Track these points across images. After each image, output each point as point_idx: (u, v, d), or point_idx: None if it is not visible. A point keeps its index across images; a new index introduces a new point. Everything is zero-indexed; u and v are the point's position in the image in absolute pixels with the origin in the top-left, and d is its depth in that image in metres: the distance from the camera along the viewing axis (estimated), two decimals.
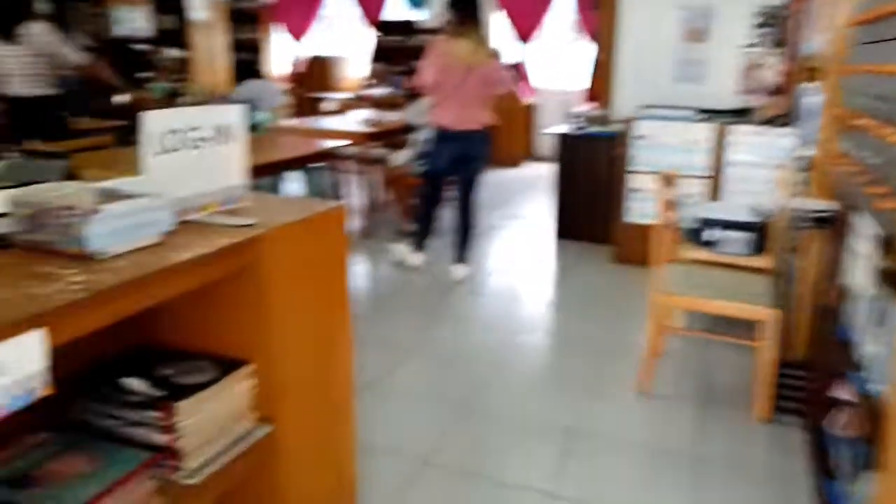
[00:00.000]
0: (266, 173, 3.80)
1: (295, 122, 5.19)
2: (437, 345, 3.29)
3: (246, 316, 1.32)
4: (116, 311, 0.99)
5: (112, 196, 1.20)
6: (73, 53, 4.56)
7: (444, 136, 3.84)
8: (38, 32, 4.41)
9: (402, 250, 4.29)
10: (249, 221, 1.32)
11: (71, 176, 1.65)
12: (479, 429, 2.57)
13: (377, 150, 5.31)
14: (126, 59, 6.28)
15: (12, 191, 1.15)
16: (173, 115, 1.29)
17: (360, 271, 4.36)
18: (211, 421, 1.22)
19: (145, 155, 1.24)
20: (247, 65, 5.66)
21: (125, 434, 1.17)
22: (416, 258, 4.25)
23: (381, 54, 8.93)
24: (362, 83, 8.44)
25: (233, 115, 1.42)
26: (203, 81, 6.94)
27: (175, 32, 7.22)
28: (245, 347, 1.34)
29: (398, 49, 8.80)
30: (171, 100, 6.04)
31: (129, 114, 6.13)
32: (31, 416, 1.16)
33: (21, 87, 4.49)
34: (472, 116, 3.81)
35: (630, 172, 4.29)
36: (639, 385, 2.86)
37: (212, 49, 7.65)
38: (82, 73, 4.78)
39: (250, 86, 5.48)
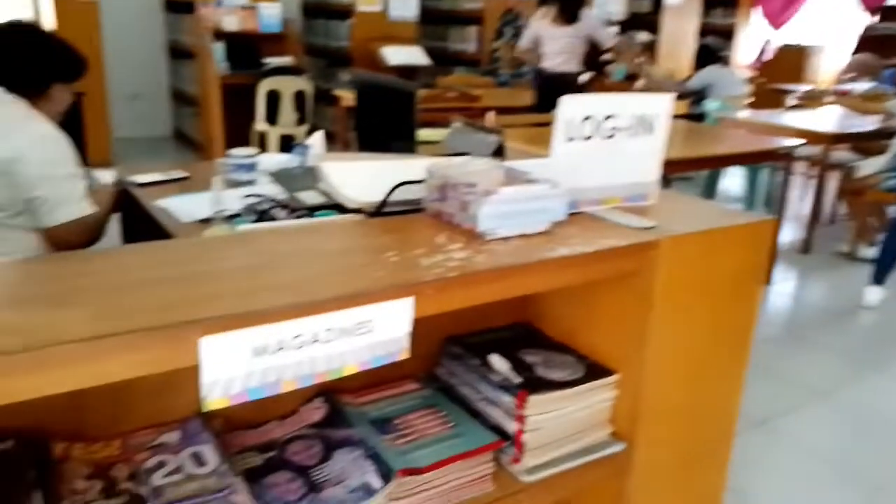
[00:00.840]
0: (704, 166, 3.58)
1: (750, 113, 4.76)
2: (857, 401, 2.71)
3: (622, 324, 1.22)
4: (484, 294, 0.98)
5: (515, 178, 1.21)
6: (608, 37, 5.33)
7: None
8: (588, 16, 5.25)
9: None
10: (649, 224, 1.20)
11: (499, 151, 1.74)
12: None
13: (839, 154, 4.56)
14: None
15: (431, 160, 1.24)
16: (592, 101, 1.24)
17: (783, 290, 3.84)
18: (563, 422, 1.16)
19: (556, 139, 1.21)
20: (709, 50, 5.37)
21: (480, 409, 1.19)
22: (871, 294, 3.54)
23: (868, 43, 7.63)
24: (839, 76, 7.35)
25: (656, 106, 1.30)
26: (665, 66, 6.87)
27: (647, 16, 7.27)
28: (614, 356, 1.24)
29: (893, 38, 7.42)
30: (628, 83, 6.13)
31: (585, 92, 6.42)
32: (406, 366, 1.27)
33: (558, 66, 5.26)
34: None
35: None
36: None
37: (680, 33, 7.52)
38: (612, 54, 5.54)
39: (710, 72, 5.22)
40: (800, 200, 4.99)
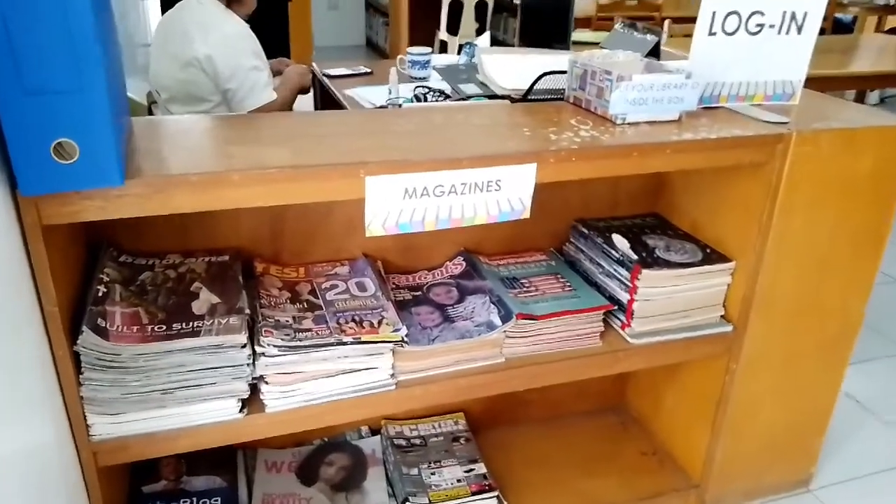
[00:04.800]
0: None
1: None
2: None
3: (746, 213, 1.29)
4: (602, 169, 1.11)
5: (653, 69, 1.30)
6: None
7: None
8: None
9: None
10: (783, 119, 1.25)
11: (655, 51, 1.79)
12: None
13: None
14: None
15: (572, 53, 1.35)
16: None
17: None
18: (674, 299, 1.28)
19: (698, 33, 1.28)
20: None
21: (599, 281, 1.34)
22: None
23: None
24: None
25: (809, 3, 1.31)
26: None
27: None
28: (735, 245, 1.32)
29: None
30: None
31: None
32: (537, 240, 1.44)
33: None
34: None
35: None
36: None
37: None
38: None
39: None
40: None
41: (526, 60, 1.56)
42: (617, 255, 1.31)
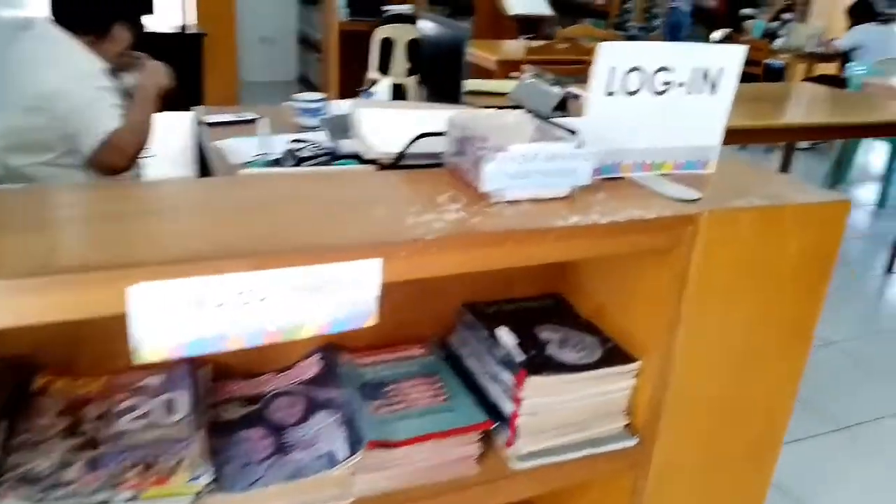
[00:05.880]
0: (832, 136, 3.20)
1: None
2: None
3: (655, 305, 1.08)
4: (466, 263, 0.89)
5: (544, 134, 1.09)
6: None
7: None
8: None
9: None
10: (693, 196, 1.05)
11: (563, 105, 1.60)
12: None
13: None
14: None
15: (453, 111, 1.14)
16: (639, 49, 1.08)
17: None
18: (568, 409, 1.05)
19: (594, 92, 1.07)
20: (866, 6, 4.75)
21: (481, 383, 1.11)
22: None
23: None
24: None
25: (722, 60, 1.13)
26: (814, 24, 6.19)
27: None
28: (642, 340, 1.11)
29: None
30: (768, 41, 5.59)
31: None
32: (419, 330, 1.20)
33: None
34: None
35: None
36: None
37: None
38: None
39: (862, 32, 4.64)
40: None
41: (409, 118, 1.34)
42: (501, 354, 1.08)
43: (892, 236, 3.43)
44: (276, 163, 1.49)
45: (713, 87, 1.14)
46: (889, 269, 3.29)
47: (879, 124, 2.85)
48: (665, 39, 5.41)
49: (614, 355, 1.09)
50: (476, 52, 3.97)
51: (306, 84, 7.46)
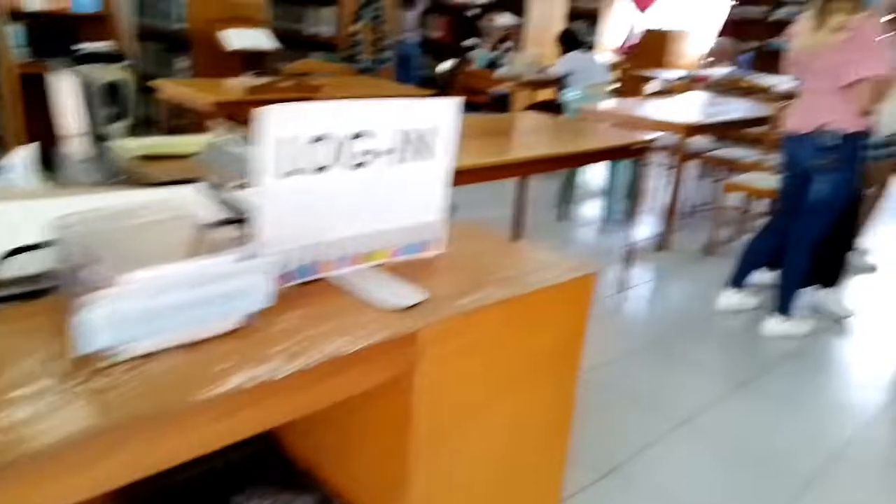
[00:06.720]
0: (560, 166, 3.27)
1: (613, 102, 4.53)
2: (732, 425, 2.46)
3: (379, 448, 0.81)
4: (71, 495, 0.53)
5: (210, 238, 0.76)
6: None
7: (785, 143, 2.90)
8: None
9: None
10: (411, 300, 0.79)
11: None
12: None
13: (699, 142, 4.40)
14: (459, 25, 6.20)
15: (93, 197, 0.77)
16: (323, 111, 0.80)
17: (640, 294, 3.57)
18: None
19: (263, 176, 0.77)
20: (571, 35, 5.10)
21: None
22: (729, 298, 3.28)
23: (731, 28, 7.73)
24: (699, 61, 7.37)
25: (435, 117, 0.89)
26: (530, 52, 6.60)
27: None
28: (371, 493, 0.83)
29: (756, 22, 7.57)
30: (491, 70, 5.81)
31: (448, 83, 6.11)
32: None
33: None
34: (810, 116, 2.76)
35: None
36: None
37: (547, 17, 7.27)
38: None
39: (572, 59, 4.96)
40: (664, 191, 4.81)
41: (24, 213, 0.93)
42: None
43: (619, 249, 3.61)
44: None
45: (428, 151, 0.90)
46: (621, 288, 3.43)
47: (600, 150, 2.96)
48: (397, 72, 5.35)
49: None
50: (190, 94, 3.51)
51: None
